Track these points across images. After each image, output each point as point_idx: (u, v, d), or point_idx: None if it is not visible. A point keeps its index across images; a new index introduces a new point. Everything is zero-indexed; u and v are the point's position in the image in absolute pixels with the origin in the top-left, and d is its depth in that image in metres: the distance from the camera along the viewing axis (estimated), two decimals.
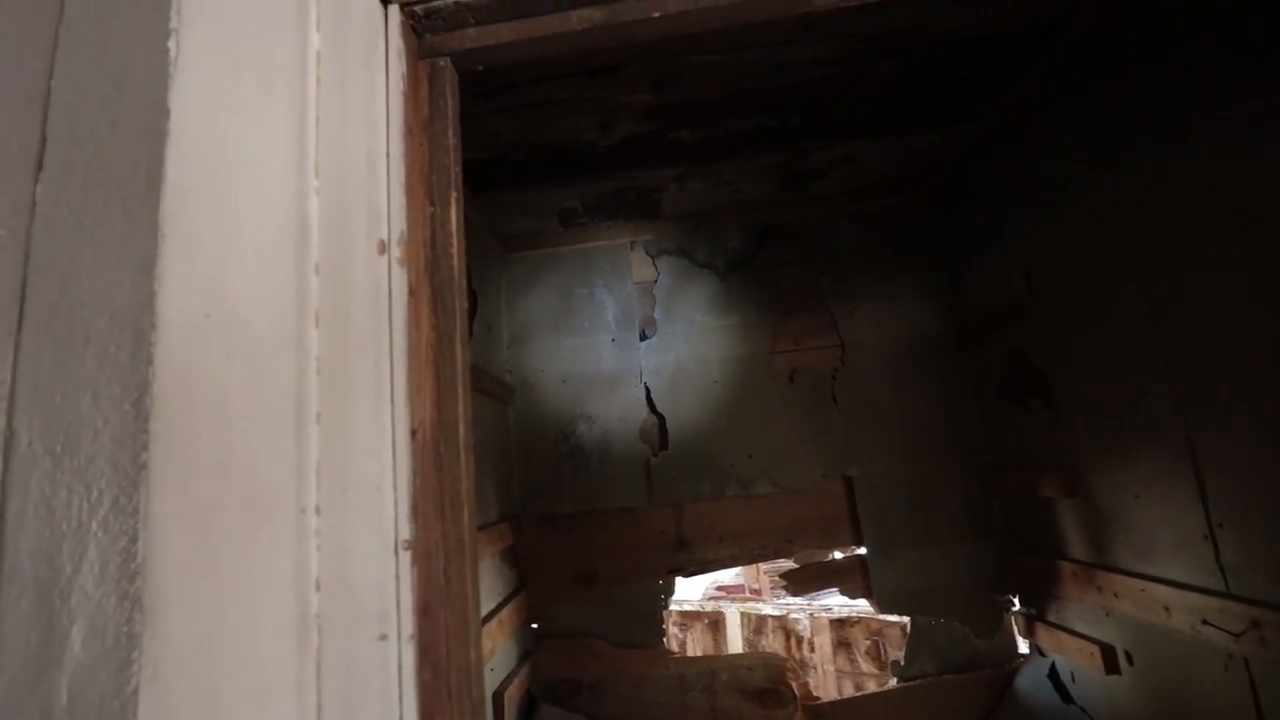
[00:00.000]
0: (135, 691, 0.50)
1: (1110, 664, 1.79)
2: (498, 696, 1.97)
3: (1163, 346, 1.52)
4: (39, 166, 0.64)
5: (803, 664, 4.29)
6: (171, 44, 0.63)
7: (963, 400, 2.36)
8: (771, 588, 6.85)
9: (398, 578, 0.51)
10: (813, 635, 4.31)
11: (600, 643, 2.37)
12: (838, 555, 2.40)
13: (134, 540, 0.52)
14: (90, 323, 0.57)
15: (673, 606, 5.09)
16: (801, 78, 1.79)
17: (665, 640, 2.39)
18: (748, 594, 6.32)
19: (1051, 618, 2.06)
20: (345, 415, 0.53)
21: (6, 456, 0.56)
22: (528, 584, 2.40)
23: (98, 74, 0.65)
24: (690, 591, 5.78)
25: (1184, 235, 1.42)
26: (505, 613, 2.11)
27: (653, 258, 2.62)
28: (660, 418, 2.48)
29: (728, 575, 6.87)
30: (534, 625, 2.41)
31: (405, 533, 0.52)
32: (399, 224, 0.59)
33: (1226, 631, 1.39)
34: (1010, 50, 1.72)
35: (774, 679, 2.28)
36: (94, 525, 0.53)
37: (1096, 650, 1.81)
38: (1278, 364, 1.24)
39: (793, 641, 4.41)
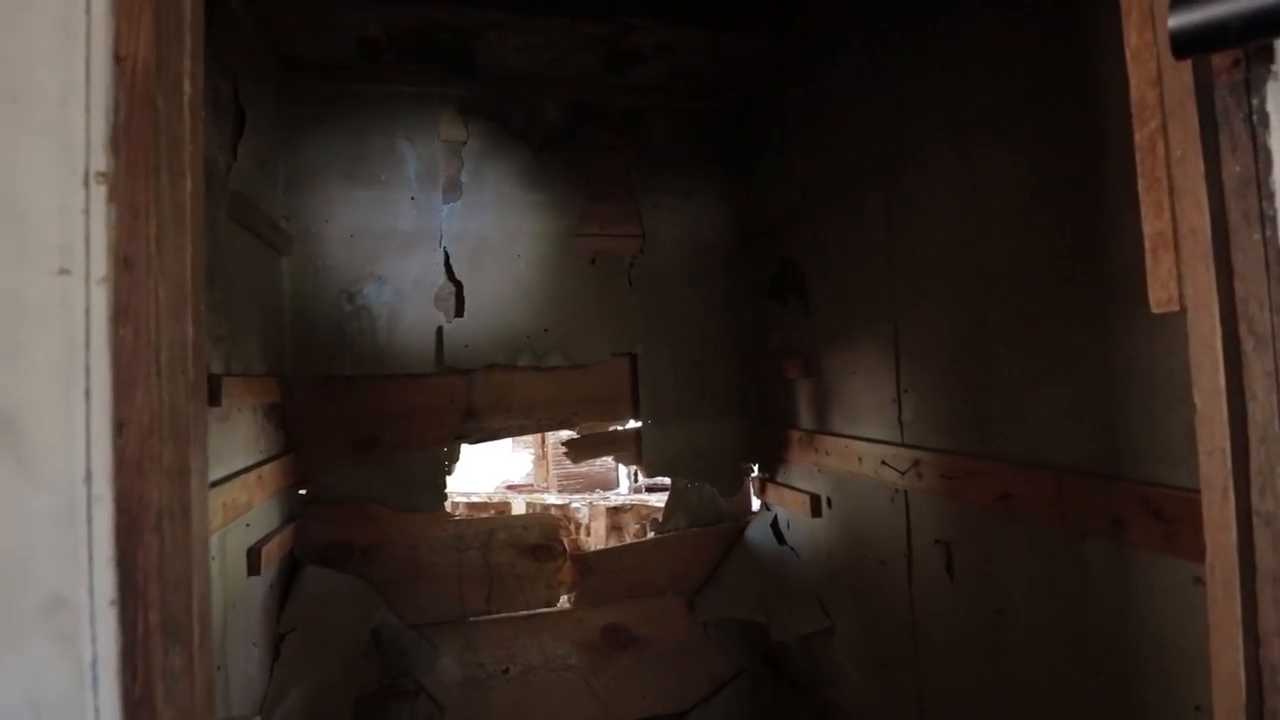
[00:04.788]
0: None
1: (816, 509, 2.22)
2: (253, 552, 1.85)
3: (891, 246, 1.83)
4: None
5: (580, 547, 4.65)
6: None
7: (738, 297, 2.65)
8: (560, 489, 7.23)
9: (87, 212, 0.45)
10: (590, 521, 4.67)
11: (377, 507, 2.33)
12: (617, 429, 2.60)
13: None
14: None
15: (460, 498, 5.14)
16: None
17: (446, 505, 2.42)
18: (536, 491, 6.60)
19: (779, 478, 2.48)
20: (16, 8, 0.44)
21: None
22: (298, 448, 2.24)
23: None
24: (481, 485, 5.87)
25: (916, 151, 1.71)
26: (267, 470, 1.95)
27: (464, 118, 2.46)
28: (458, 285, 2.40)
29: (518, 475, 7.08)
30: (302, 491, 2.27)
31: (100, 164, 0.45)
32: None
33: (896, 470, 1.79)
34: None
35: (548, 536, 2.45)
36: None
37: (807, 500, 2.23)
38: (961, 262, 1.58)
39: (572, 528, 4.74)
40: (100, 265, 0.46)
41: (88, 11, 0.45)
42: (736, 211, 2.67)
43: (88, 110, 0.46)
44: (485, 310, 2.43)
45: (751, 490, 2.65)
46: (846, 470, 2.04)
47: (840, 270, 2.09)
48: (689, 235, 2.62)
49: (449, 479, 2.43)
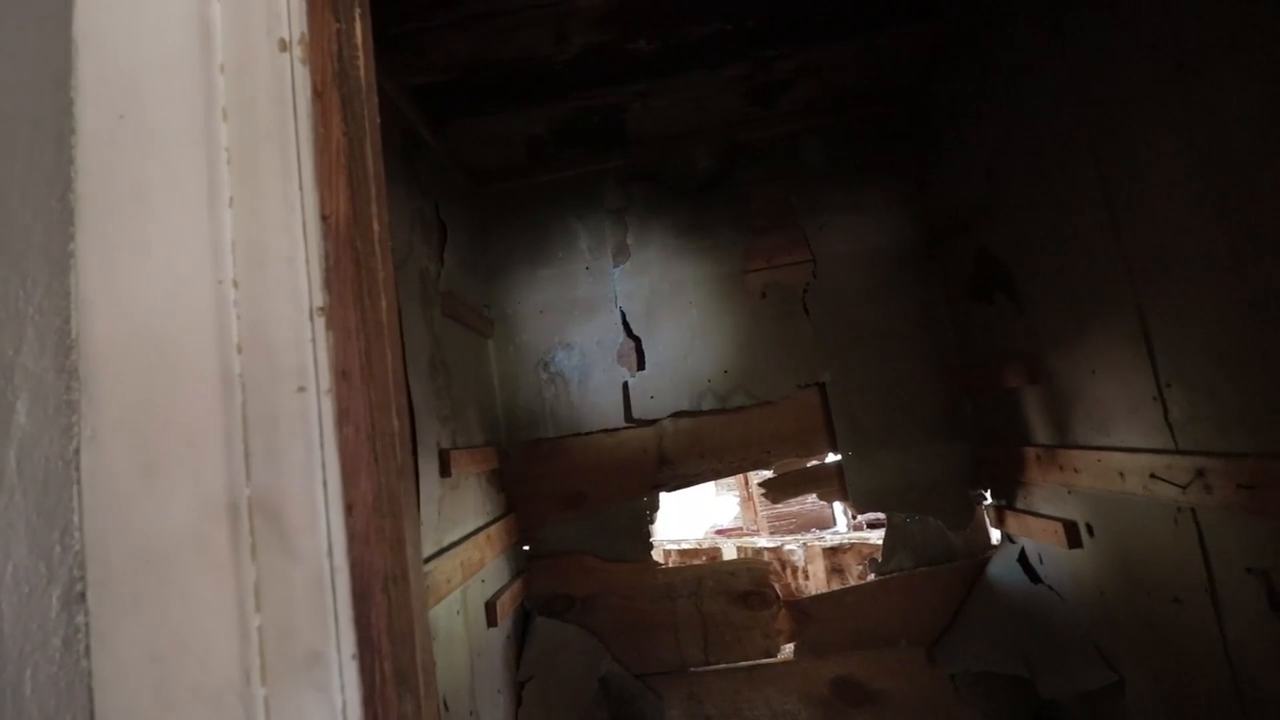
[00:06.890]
0: (77, 450, 0.55)
1: (1073, 539, 1.86)
2: (490, 606, 2.06)
3: (1114, 219, 1.54)
4: None
5: (798, 592, 4.42)
6: None
7: (932, 303, 2.40)
8: (771, 531, 7.01)
9: (313, 340, 0.55)
10: (806, 564, 4.43)
11: (591, 559, 2.46)
12: (815, 463, 2.47)
13: (67, 320, 0.57)
14: (15, 132, 0.60)
15: (671, 546, 5.22)
16: None
17: (653, 553, 2.48)
18: (745, 535, 6.47)
19: (1020, 505, 2.13)
20: (256, 198, 0.57)
21: None
22: (517, 507, 2.47)
23: None
24: (691, 531, 5.92)
25: (1126, 100, 1.44)
26: (494, 530, 2.18)
27: (622, 184, 2.63)
28: (637, 340, 2.52)
29: (726, 518, 7.01)
30: (525, 547, 2.49)
31: (319, 301, 0.56)
32: (299, 26, 0.62)
33: (1174, 484, 1.44)
34: None
35: (758, 582, 2.37)
36: (30, 310, 0.57)
37: (1060, 527, 1.88)
38: (1217, 220, 1.27)
39: (788, 571, 4.53)
40: (325, 380, 0.56)
41: (300, 187, 0.57)
42: (914, 215, 2.46)
43: (307, 262, 0.57)
44: (665, 360, 2.50)
45: (987, 520, 2.32)
46: (1105, 489, 1.69)
47: (1051, 254, 1.80)
48: (864, 250, 2.47)
49: (652, 527, 2.49)
